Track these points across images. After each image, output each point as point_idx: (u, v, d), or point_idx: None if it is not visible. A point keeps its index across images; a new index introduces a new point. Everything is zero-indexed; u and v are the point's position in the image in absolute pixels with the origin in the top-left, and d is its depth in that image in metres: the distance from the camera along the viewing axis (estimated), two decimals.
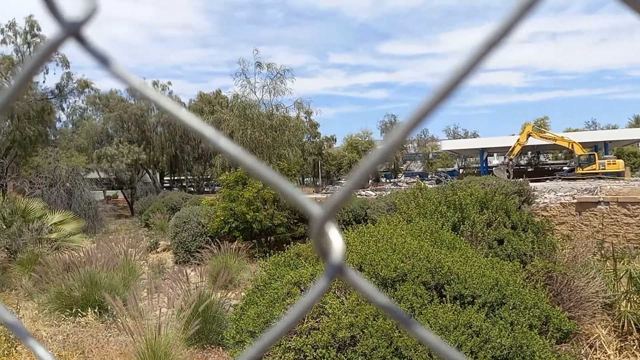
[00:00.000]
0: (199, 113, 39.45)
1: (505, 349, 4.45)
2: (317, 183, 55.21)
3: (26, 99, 27.62)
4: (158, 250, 18.40)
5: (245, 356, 0.54)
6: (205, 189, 45.76)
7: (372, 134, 61.62)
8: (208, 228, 16.50)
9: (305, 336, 4.32)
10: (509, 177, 29.89)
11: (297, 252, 5.78)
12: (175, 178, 47.34)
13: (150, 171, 40.47)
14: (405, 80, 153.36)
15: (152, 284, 7.56)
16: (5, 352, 5.64)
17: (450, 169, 72.20)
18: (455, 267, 5.34)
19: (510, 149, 36.45)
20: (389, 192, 22.75)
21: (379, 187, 38.28)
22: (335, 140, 61.34)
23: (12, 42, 28.98)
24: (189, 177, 46.34)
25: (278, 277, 5.45)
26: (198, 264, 13.34)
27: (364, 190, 30.97)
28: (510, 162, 36.04)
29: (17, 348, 5.81)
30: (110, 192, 42.85)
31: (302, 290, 4.98)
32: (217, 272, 10.86)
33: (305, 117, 37.33)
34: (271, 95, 17.76)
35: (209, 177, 45.40)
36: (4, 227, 14.13)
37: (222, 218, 16.12)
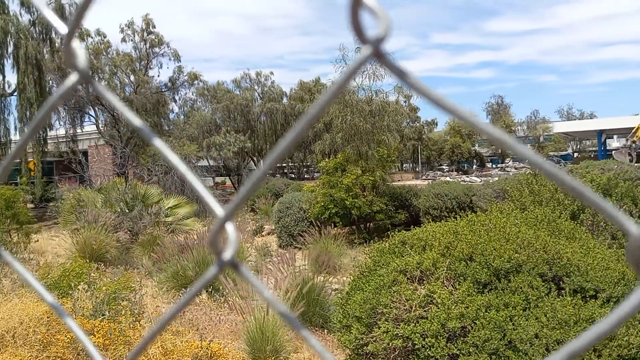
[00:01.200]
0: (299, 101, 40.39)
1: (633, 347, 4.09)
2: (417, 169, 54.24)
3: (143, 92, 30.01)
4: (263, 234, 19.21)
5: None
6: (305, 176, 46.89)
7: (477, 116, 59.15)
8: (309, 213, 16.90)
9: (414, 324, 4.27)
10: (631, 160, 27.30)
11: (402, 239, 5.71)
12: (277, 165, 48.93)
13: (255, 159, 42.26)
14: (513, 58, 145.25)
15: (258, 266, 7.91)
16: (131, 325, 6.16)
17: (564, 153, 67.45)
18: (575, 258, 4.99)
19: (633, 130, 33.16)
20: (496, 178, 21.72)
21: (484, 172, 36.77)
22: (437, 125, 59.67)
23: (131, 40, 31.51)
24: (290, 164, 47.74)
25: (383, 264, 5.43)
26: (300, 248, 13.73)
27: (467, 176, 29.91)
28: (634, 145, 32.80)
29: (140, 322, 6.33)
30: (219, 179, 45.31)
31: (408, 279, 4.92)
32: (318, 256, 11.11)
33: (405, 102, 36.78)
34: (370, 80, 17.63)
35: (308, 163, 46.44)
36: (127, 210, 15.53)
37: (322, 204, 16.42)
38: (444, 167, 54.64)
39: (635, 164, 16.25)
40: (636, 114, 51.65)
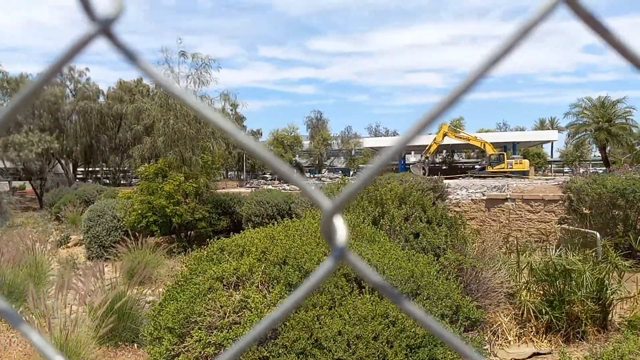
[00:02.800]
0: (117, 101, 37.53)
1: (419, 337, 4.65)
2: (242, 177, 54.55)
3: None
4: (69, 244, 17.37)
5: (244, 341, 0.54)
6: (122, 181, 43.70)
7: (298, 129, 61.81)
8: (124, 222, 15.79)
9: (227, 331, 4.27)
10: (424, 174, 31.16)
11: (221, 246, 5.68)
12: (90, 169, 44.85)
13: (63, 161, 38.01)
14: (332, 77, 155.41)
15: (62, 281, 7.12)
16: None
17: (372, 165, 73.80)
18: (374, 259, 5.49)
19: (426, 148, 38.10)
20: (313, 187, 22.92)
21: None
22: (261, 135, 61.03)
23: None
24: (104, 169, 44.00)
25: (200, 272, 5.33)
26: (113, 260, 12.74)
27: (288, 185, 31.02)
28: (427, 160, 37.70)
29: None
30: (17, 183, 39.81)
31: (224, 285, 4.91)
32: (133, 267, 10.43)
33: (231, 110, 36.68)
34: (196, 85, 17.24)
35: (125, 168, 43.33)
36: None
37: (140, 212, 15.49)
38: (267, 175, 55.94)
39: (427, 177, 18.62)
40: (430, 134, 59.34)
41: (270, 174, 56.50)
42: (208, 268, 5.14)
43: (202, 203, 16.86)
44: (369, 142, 54.94)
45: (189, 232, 17.27)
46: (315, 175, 54.77)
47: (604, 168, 34.83)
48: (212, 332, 4.38)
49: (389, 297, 0.53)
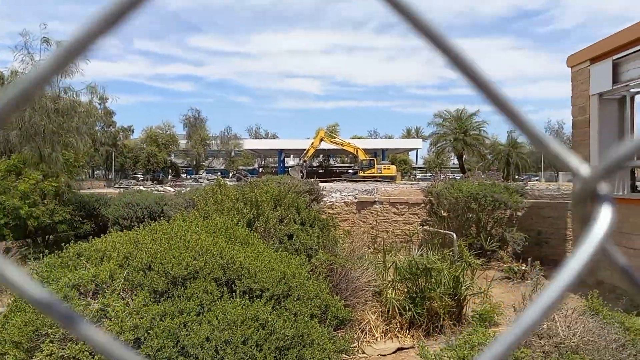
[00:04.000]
0: None
1: (288, 339, 4.68)
2: (110, 177, 51.04)
3: None
4: None
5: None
6: None
7: (174, 127, 59.55)
8: None
9: (83, 343, 3.92)
10: (302, 177, 31.70)
11: (78, 251, 5.22)
12: None
13: None
14: (212, 75, 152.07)
15: None
16: None
17: (251, 167, 73.73)
18: (247, 262, 5.43)
19: (305, 152, 38.85)
20: (188, 189, 22.15)
21: (178, 183, 37.15)
22: (133, 131, 57.61)
23: None
24: None
25: (53, 280, 4.84)
26: None
27: (161, 186, 29.70)
28: (305, 164, 38.39)
29: None
30: None
31: (81, 294, 4.51)
32: None
33: (100, 104, 34.14)
34: (59, 75, 15.74)
35: None
36: None
37: None
38: (138, 175, 52.99)
39: (304, 180, 18.99)
40: (308, 138, 60.72)
41: (142, 174, 53.71)
42: (63, 275, 4.69)
43: (63, 204, 15.46)
44: (249, 143, 54.62)
45: (47, 237, 15.72)
46: (192, 176, 53.18)
47: (461, 175, 38.48)
48: (66, 345, 4.00)
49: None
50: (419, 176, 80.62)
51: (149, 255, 4.98)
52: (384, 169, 38.44)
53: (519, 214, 14.12)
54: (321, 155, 74.51)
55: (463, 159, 46.60)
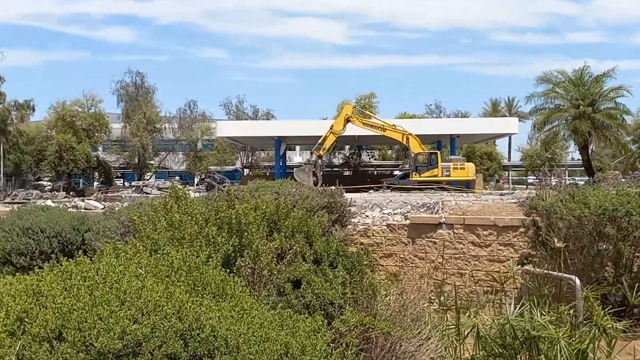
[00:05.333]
0: None
1: None
2: None
3: None
4: None
5: None
6: None
7: (102, 102, 60.32)
8: None
9: None
10: (316, 183, 31.69)
11: None
12: None
13: None
14: (164, 16, 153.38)
15: None
16: None
17: (230, 167, 74.09)
18: (224, 326, 5.38)
19: (319, 141, 38.73)
20: (126, 204, 22.25)
21: (110, 194, 37.32)
22: (34, 110, 57.95)
23: None
24: None
25: None
26: None
27: (83, 200, 29.90)
28: (320, 161, 38.41)
29: None
30: None
31: None
32: None
33: None
34: None
35: None
36: None
37: None
38: (44, 182, 53.51)
39: (320, 188, 18.92)
40: (324, 118, 60.88)
41: (49, 179, 54.24)
42: None
43: None
44: (227, 128, 54.57)
45: None
46: (133, 183, 53.51)
47: (586, 178, 37.78)
48: None
49: None
50: (514, 180, 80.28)
51: (58, 316, 4.96)
52: (455, 168, 38.34)
53: None
54: (347, 147, 74.73)
55: (589, 151, 45.79)
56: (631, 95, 48.38)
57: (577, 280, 11.52)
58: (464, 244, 16.99)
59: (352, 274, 8.35)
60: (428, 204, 19.61)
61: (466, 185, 36.42)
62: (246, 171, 70.66)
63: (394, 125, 40.68)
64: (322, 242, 8.61)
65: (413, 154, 39.46)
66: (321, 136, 38.81)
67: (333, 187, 17.58)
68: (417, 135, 39.47)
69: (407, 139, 39.16)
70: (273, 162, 61.05)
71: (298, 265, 8.00)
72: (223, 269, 7.13)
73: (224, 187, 26.99)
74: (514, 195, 24.50)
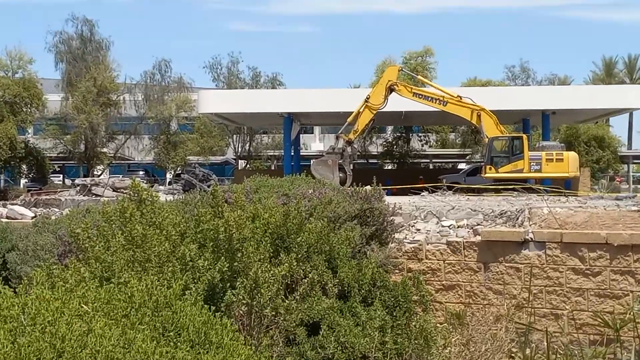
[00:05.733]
0: None
1: None
2: None
3: None
4: None
5: None
6: None
7: (32, 62, 60.54)
8: None
9: None
10: (344, 181, 31.75)
11: None
12: None
13: None
14: None
15: None
16: None
17: (220, 158, 74.20)
18: None
19: (349, 119, 38.69)
20: (66, 210, 22.40)
21: (43, 197, 37.47)
22: None
23: None
24: None
25: None
26: None
27: (3, 206, 30.04)
28: (349, 149, 38.31)
29: None
30: None
31: None
32: None
33: None
34: None
35: None
36: None
37: None
38: None
39: (349, 187, 18.88)
40: (356, 86, 60.67)
41: None
42: None
43: None
44: (215, 100, 54.42)
45: None
46: (77, 182, 53.52)
47: None
48: None
49: None
50: (637, 177, 79.64)
51: None
52: (549, 160, 38.04)
53: None
54: (390, 129, 74.32)
55: None
56: None
57: None
58: (561, 272, 16.88)
59: (395, 314, 8.34)
60: (509, 213, 19.55)
61: (565, 185, 36.24)
62: (241, 164, 70.71)
63: (459, 96, 40.30)
64: (351, 268, 8.58)
65: (487, 139, 39.19)
66: (351, 113, 38.75)
67: (369, 187, 17.52)
68: (494, 112, 39.24)
69: (479, 116, 38.95)
70: (281, 151, 61.14)
71: (316, 302, 7.96)
72: (206, 306, 7.11)
73: (208, 186, 27.15)
74: (637, 199, 24.31)
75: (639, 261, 16.05)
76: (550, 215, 18.27)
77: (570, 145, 52.80)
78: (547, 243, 17.05)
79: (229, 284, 7.98)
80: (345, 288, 8.44)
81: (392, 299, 8.61)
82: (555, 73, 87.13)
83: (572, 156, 39.40)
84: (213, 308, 7.21)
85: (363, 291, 8.48)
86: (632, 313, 13.71)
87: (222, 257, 8.25)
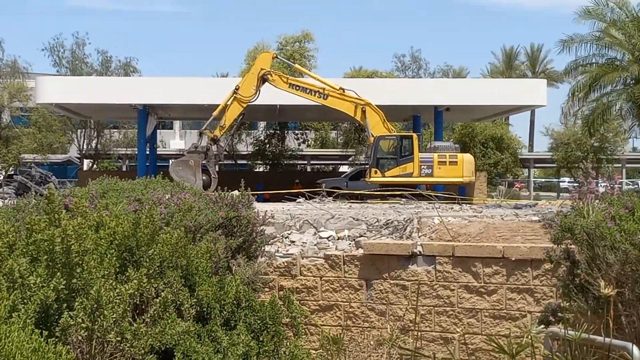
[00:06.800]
0: None
1: None
2: None
3: None
4: None
5: None
6: None
7: None
8: None
9: None
10: (207, 184, 31.72)
11: None
12: None
13: None
14: None
15: None
16: None
17: (61, 157, 73.43)
18: None
19: (215, 113, 38.68)
20: None
21: None
22: None
23: None
24: None
25: None
26: None
27: None
28: (215, 148, 38.24)
29: None
30: None
31: None
32: None
33: None
34: None
35: None
36: None
37: None
38: None
39: (213, 191, 18.77)
40: (225, 74, 60.64)
41: None
42: None
43: None
44: (55, 88, 53.79)
45: None
46: None
47: None
48: None
49: None
50: (539, 183, 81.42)
51: None
52: (441, 163, 38.55)
53: None
54: (262, 125, 74.44)
55: None
56: None
57: (637, 350, 11.67)
58: (452, 290, 17.05)
59: (261, 338, 8.32)
60: (395, 223, 19.72)
61: (460, 192, 36.81)
62: (87, 163, 70.11)
63: (341, 89, 40.51)
64: (212, 286, 8.52)
65: (372, 139, 39.47)
66: (217, 105, 38.68)
67: (236, 191, 17.47)
68: (380, 107, 39.62)
69: (363, 112, 39.25)
70: (134, 149, 60.82)
71: (169, 325, 7.89)
72: (37, 331, 6.97)
73: (43, 189, 26.81)
74: (538, 208, 24.75)
75: (539, 278, 16.26)
76: (442, 226, 18.48)
77: (465, 146, 53.73)
78: (437, 257, 17.17)
79: (65, 305, 7.85)
80: (205, 309, 8.38)
81: (259, 322, 8.59)
82: (450, 64, 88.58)
83: (467, 159, 39.97)
84: (46, 333, 7.08)
85: (225, 312, 8.43)
86: (530, 337, 13.89)
87: (59, 273, 8.11)
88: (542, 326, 14.75)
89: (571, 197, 18.51)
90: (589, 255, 14.48)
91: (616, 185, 17.71)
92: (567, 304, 15.13)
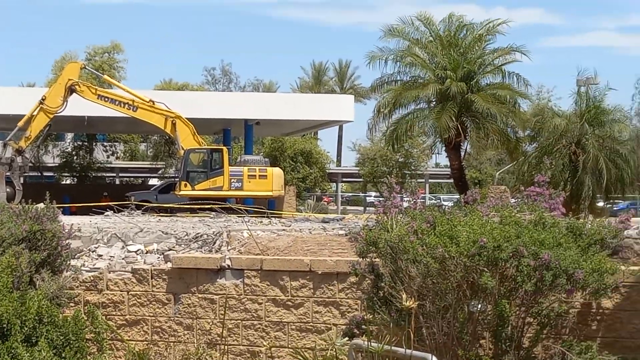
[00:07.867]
0: None
1: None
2: None
3: None
4: None
5: None
6: None
7: None
8: None
9: None
10: (12, 196, 31.10)
11: None
12: None
13: None
14: None
15: None
16: None
17: None
18: None
19: (20, 124, 37.98)
20: None
21: None
22: None
23: None
24: None
25: None
26: None
27: None
28: (19, 160, 37.53)
29: None
30: None
31: None
32: None
33: None
34: None
35: None
36: None
37: None
38: None
39: (16, 205, 18.47)
40: (31, 84, 59.38)
41: None
42: None
43: None
44: None
45: None
46: None
47: (457, 195, 38.79)
48: None
49: None
50: (346, 197, 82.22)
51: None
52: (251, 177, 38.65)
53: (608, 304, 14.68)
54: (70, 137, 73.12)
55: (462, 154, 47.39)
56: (529, 60, 49.00)
57: None
58: (260, 303, 17.09)
59: (63, 355, 8.26)
60: (205, 236, 19.70)
61: (269, 205, 36.92)
62: None
63: (151, 101, 40.26)
64: (12, 301, 8.40)
65: (182, 152, 39.33)
66: (23, 116, 38.04)
67: (41, 204, 17.25)
68: (191, 120, 39.54)
69: (174, 124, 39.09)
70: None
71: None
72: None
73: None
74: (345, 222, 25.02)
75: (344, 291, 16.45)
76: (251, 240, 18.54)
77: (275, 160, 53.96)
78: (245, 271, 17.22)
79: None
80: (5, 325, 8.24)
81: (62, 337, 8.52)
82: (261, 78, 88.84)
83: (276, 173, 40.28)
84: None
85: (26, 328, 8.31)
86: (334, 349, 14.07)
87: None
88: (347, 339, 14.94)
89: (376, 212, 18.82)
90: (392, 269, 14.75)
91: (419, 200, 18.10)
92: (371, 316, 15.38)
